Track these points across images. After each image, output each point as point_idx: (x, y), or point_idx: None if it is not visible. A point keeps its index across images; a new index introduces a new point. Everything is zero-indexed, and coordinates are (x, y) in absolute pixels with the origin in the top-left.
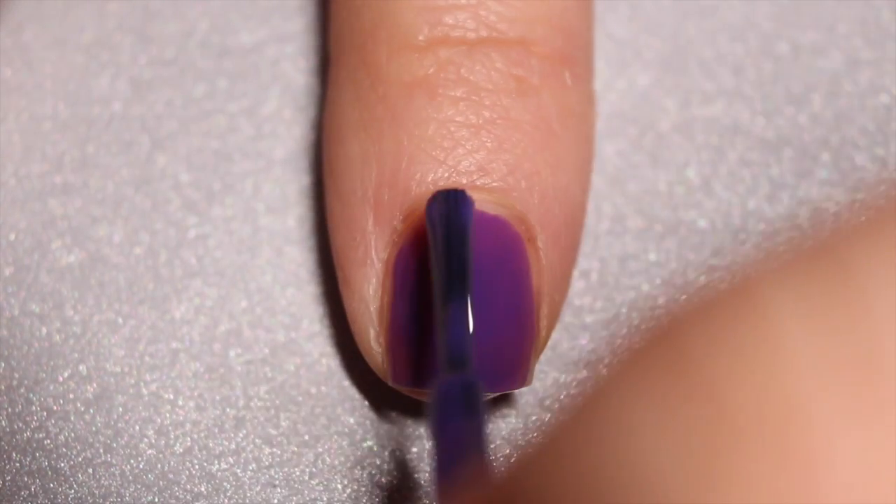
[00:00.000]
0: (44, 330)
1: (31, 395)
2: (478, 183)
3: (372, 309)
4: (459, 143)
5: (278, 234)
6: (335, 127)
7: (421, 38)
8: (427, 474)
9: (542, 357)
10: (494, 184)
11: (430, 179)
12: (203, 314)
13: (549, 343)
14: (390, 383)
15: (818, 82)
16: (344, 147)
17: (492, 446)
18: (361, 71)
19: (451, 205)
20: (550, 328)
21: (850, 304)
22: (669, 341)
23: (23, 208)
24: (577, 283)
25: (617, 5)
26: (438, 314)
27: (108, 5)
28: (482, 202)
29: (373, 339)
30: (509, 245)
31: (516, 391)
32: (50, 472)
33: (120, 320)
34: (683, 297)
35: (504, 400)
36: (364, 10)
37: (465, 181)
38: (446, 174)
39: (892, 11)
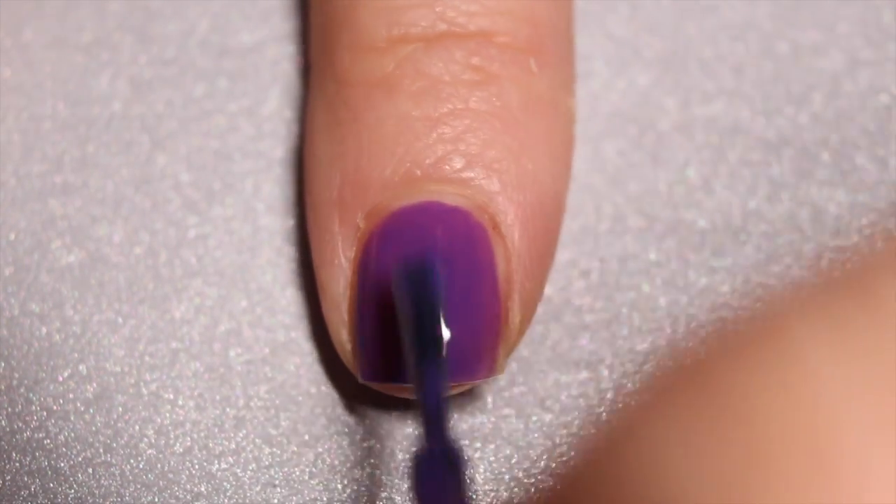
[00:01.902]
0: (44, 330)
1: (31, 395)
2: (437, 175)
3: (342, 308)
4: (418, 137)
5: (278, 234)
6: (308, 132)
7: (381, 38)
8: None
9: (542, 357)
10: (454, 175)
11: (387, 175)
12: (203, 314)
13: (549, 343)
14: (360, 381)
15: (818, 82)
16: (314, 151)
17: None
18: (329, 75)
19: (418, 278)
20: (525, 317)
21: (873, 325)
22: (698, 370)
23: (23, 208)
24: (577, 283)
25: (617, 5)
26: (413, 378)
27: (108, 5)
28: (441, 193)
29: (345, 338)
30: (470, 235)
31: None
32: (50, 472)
33: (120, 320)
34: (709, 330)
35: (504, 399)
36: (330, 15)
37: (419, 174)
38: (403, 169)
39: (893, 11)
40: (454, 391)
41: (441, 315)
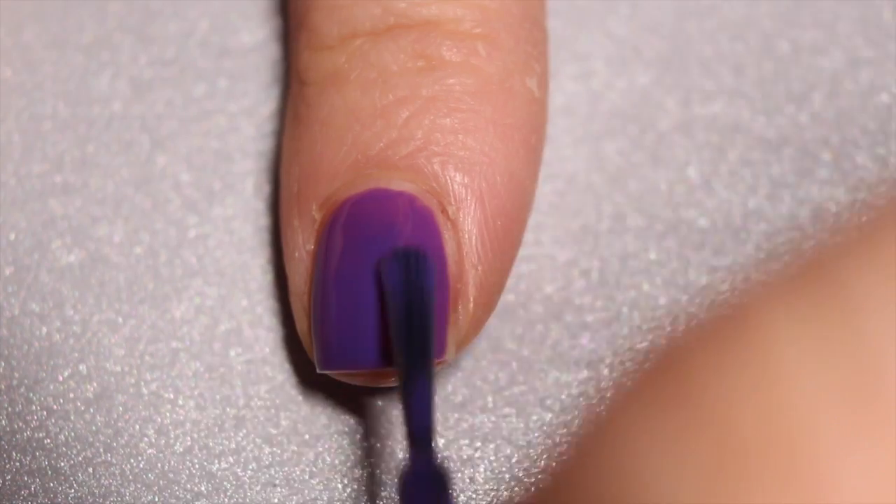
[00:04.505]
0: (44, 329)
1: (31, 395)
2: (384, 162)
3: (304, 300)
4: (366, 126)
5: (278, 234)
6: (282, 135)
7: (334, 37)
8: None
9: (543, 356)
10: (400, 161)
11: (336, 165)
12: (203, 314)
13: (550, 342)
14: (318, 370)
15: (819, 81)
16: (281, 150)
17: None
18: (293, 76)
19: (411, 270)
20: (481, 302)
21: (847, 323)
22: (671, 371)
23: (23, 208)
24: (577, 282)
25: (617, 5)
26: (401, 394)
27: (108, 5)
28: (388, 180)
29: (305, 328)
30: (416, 219)
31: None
32: (50, 472)
33: (120, 320)
34: (683, 326)
35: (504, 399)
36: (291, 18)
37: (366, 162)
38: (351, 158)
39: (893, 11)
40: (388, 384)
41: (432, 327)
